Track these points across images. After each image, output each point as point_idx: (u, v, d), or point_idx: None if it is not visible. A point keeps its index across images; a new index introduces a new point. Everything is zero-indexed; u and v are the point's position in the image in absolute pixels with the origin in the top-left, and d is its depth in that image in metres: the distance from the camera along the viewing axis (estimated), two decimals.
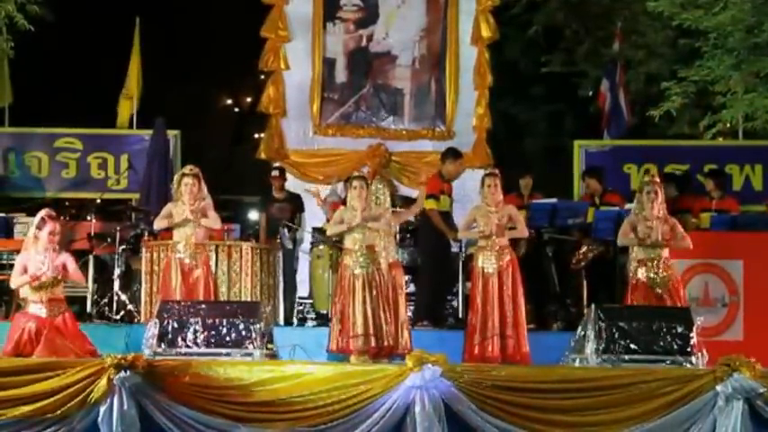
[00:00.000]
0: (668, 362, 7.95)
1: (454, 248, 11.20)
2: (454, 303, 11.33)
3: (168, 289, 9.12)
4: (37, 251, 8.67)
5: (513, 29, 16.79)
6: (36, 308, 8.61)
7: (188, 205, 9.13)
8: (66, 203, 15.59)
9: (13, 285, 8.90)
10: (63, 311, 8.69)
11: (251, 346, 8.00)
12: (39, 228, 8.68)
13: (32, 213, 9.40)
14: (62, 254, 8.82)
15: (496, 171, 9.38)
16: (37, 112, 14.35)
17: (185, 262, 9.12)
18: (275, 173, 11.97)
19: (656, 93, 12.99)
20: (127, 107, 14.02)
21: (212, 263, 10.13)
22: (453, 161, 10.88)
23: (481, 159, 12.77)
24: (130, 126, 13.93)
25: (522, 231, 9.48)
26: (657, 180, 9.10)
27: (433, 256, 10.61)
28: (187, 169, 9.27)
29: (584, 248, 10.80)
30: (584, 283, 10.80)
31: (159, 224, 9.37)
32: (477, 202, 9.52)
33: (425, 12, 13.12)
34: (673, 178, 11.77)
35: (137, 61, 13.90)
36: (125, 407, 7.34)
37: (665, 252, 8.99)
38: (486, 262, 9.14)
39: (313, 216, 12.00)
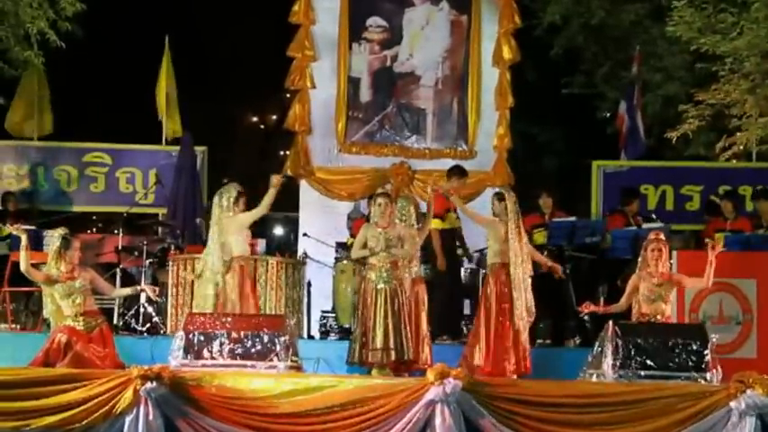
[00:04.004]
0: (683, 378, 8.00)
1: (470, 265, 11.45)
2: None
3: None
4: (58, 268, 8.74)
5: (533, 51, 16.62)
6: (72, 321, 8.67)
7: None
8: (94, 217, 15.64)
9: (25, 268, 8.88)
10: (99, 324, 8.77)
11: (276, 359, 8.05)
12: (65, 248, 8.74)
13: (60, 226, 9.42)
14: (87, 270, 8.94)
15: (501, 191, 9.61)
16: (66, 126, 14.39)
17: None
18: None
19: (673, 115, 12.86)
20: (170, 123, 14.01)
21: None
22: (458, 179, 10.95)
23: (502, 178, 12.86)
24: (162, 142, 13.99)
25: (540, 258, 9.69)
26: (662, 238, 9.13)
27: (444, 273, 10.66)
28: (239, 187, 9.45)
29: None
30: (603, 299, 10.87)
31: None
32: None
33: (449, 34, 13.19)
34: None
35: (164, 79, 13.89)
36: (151, 417, 7.43)
37: (668, 310, 9.07)
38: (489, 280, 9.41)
39: (336, 231, 12.13)
